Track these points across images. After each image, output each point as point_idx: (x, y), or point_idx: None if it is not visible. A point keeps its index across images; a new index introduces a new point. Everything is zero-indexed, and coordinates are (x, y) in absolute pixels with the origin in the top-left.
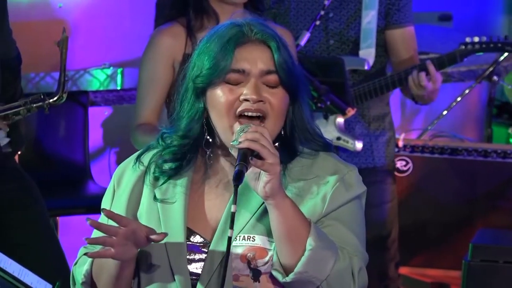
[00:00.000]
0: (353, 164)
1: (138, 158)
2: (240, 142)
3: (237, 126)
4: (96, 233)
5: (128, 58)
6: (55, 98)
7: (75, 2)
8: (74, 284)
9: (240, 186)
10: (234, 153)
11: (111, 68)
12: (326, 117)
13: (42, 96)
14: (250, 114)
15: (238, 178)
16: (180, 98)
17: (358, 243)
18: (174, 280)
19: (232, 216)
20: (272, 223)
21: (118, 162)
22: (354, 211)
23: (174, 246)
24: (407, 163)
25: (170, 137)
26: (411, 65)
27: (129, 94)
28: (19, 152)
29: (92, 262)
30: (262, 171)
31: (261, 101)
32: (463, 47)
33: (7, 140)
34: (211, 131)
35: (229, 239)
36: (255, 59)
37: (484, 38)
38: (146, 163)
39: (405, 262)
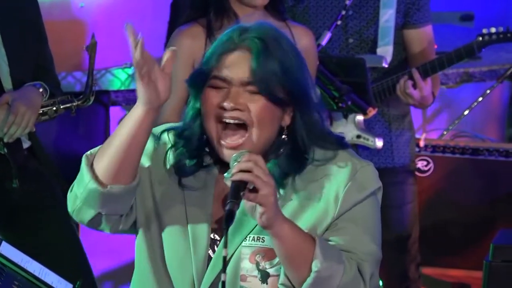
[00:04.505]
0: (373, 164)
1: (162, 133)
2: (233, 175)
3: (218, 129)
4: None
5: None
6: (82, 101)
7: (96, 2)
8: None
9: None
10: (229, 184)
11: (132, 67)
12: (345, 116)
13: (69, 97)
14: (227, 121)
15: (229, 219)
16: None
17: (371, 243)
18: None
19: (224, 261)
20: (275, 248)
21: None
22: (368, 209)
23: (197, 239)
24: (428, 163)
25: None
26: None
27: None
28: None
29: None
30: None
31: (238, 109)
32: (480, 38)
33: (28, 143)
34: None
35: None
36: (236, 68)
37: (501, 29)
38: (168, 144)
39: (426, 262)
